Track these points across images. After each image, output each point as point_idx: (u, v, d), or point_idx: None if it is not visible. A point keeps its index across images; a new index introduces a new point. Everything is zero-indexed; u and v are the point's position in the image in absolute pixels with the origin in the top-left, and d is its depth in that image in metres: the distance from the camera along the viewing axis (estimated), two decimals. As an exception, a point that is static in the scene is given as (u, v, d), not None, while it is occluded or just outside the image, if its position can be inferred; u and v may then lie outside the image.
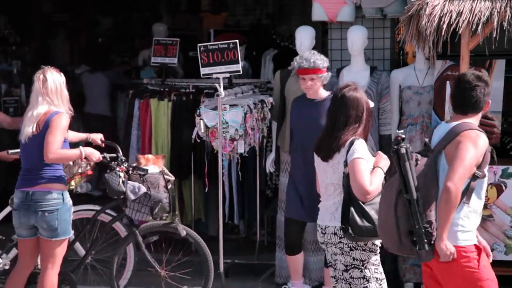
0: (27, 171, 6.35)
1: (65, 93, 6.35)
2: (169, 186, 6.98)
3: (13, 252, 6.98)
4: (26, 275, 6.54)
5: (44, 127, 6.20)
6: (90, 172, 6.88)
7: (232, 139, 7.89)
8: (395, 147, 5.04)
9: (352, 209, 5.29)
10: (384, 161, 5.37)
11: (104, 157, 6.71)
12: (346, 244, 5.39)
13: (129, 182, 6.83)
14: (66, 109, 6.32)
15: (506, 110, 7.70)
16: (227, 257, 7.97)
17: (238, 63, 7.55)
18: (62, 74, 6.40)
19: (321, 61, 7.04)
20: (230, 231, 9.26)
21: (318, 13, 8.06)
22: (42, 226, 6.28)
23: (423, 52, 7.15)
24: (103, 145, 7.14)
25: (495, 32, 6.75)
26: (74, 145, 6.71)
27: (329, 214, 5.47)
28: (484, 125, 7.37)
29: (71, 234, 6.45)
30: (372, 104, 5.43)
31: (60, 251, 6.38)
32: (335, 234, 5.42)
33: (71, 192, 6.69)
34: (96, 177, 7.86)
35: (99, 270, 7.30)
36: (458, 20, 6.80)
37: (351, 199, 5.31)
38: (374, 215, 5.26)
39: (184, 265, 7.30)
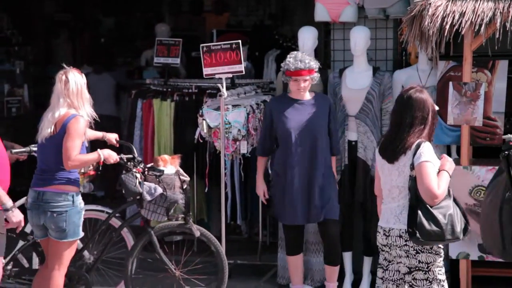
0: (42, 171, 6.33)
1: (87, 95, 6.29)
2: (185, 187, 6.98)
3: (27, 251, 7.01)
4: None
5: (61, 129, 6.16)
6: (92, 172, 6.87)
7: (235, 140, 7.89)
8: (506, 152, 4.93)
9: (419, 213, 5.18)
10: (449, 164, 5.28)
11: (121, 158, 6.67)
12: (411, 247, 5.30)
13: (145, 183, 6.83)
14: (88, 111, 6.27)
15: (509, 110, 7.70)
16: (230, 258, 7.94)
17: (240, 63, 7.55)
18: (83, 76, 6.35)
19: (314, 61, 7.19)
20: (232, 231, 9.26)
21: (321, 14, 8.05)
22: (51, 226, 6.27)
23: (426, 52, 7.15)
24: (118, 145, 7.13)
25: (498, 33, 6.75)
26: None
27: (393, 216, 5.36)
28: (487, 126, 7.38)
29: (80, 236, 6.40)
30: (437, 108, 5.39)
31: (68, 253, 6.36)
32: (400, 236, 5.32)
33: None
34: (99, 177, 7.85)
35: (101, 271, 7.30)
36: (461, 20, 6.80)
37: (418, 203, 5.21)
38: (442, 219, 5.17)
39: (198, 266, 7.31)
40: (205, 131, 7.90)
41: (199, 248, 7.49)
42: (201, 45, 7.73)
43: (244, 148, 7.94)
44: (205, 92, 8.72)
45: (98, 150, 6.41)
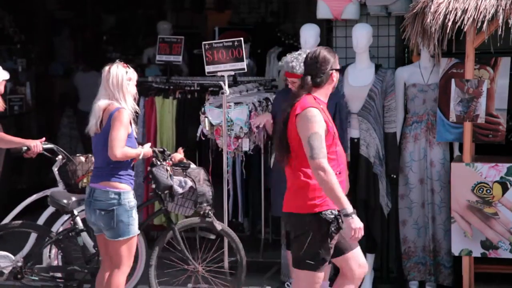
0: (96, 168, 6.36)
1: (129, 88, 6.30)
2: (207, 179, 7.07)
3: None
4: (107, 271, 6.45)
5: (107, 124, 6.18)
6: None
7: (237, 137, 7.89)
8: None
9: None
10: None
11: (153, 151, 6.73)
12: None
13: (174, 176, 6.86)
14: (130, 104, 6.28)
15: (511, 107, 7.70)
16: (232, 255, 7.96)
17: (243, 61, 7.55)
18: (130, 70, 6.35)
19: None
20: (234, 229, 9.24)
21: (323, 11, 8.05)
22: (100, 225, 6.26)
23: (428, 50, 7.15)
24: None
25: (500, 30, 6.74)
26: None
27: None
28: (489, 123, 7.39)
29: (135, 233, 6.30)
30: None
31: (125, 251, 6.28)
32: None
33: (83, 189, 6.71)
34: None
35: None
36: (463, 17, 6.79)
37: None
38: None
39: (217, 262, 7.40)
40: (207, 128, 7.91)
41: (212, 244, 7.48)
42: (203, 42, 7.74)
43: (246, 145, 7.94)
44: (207, 89, 8.73)
45: (140, 147, 6.44)
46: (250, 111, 7.89)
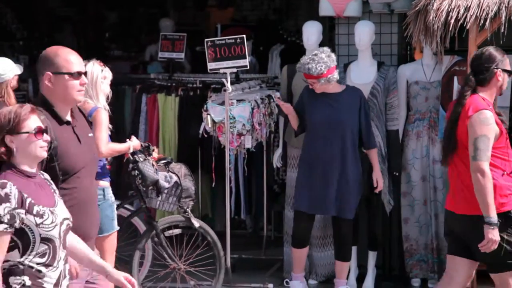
0: None
1: (103, 87, 6.31)
2: (189, 174, 7.03)
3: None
4: None
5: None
6: (108, 167, 6.80)
7: (239, 134, 7.89)
8: None
9: None
10: None
11: (141, 145, 6.72)
12: None
13: (159, 172, 6.84)
14: (102, 103, 6.29)
15: (514, 105, 7.70)
16: (234, 252, 7.96)
17: (245, 58, 7.55)
18: (106, 69, 6.37)
19: (325, 64, 6.96)
20: (237, 226, 9.27)
21: (325, 8, 8.04)
22: None
23: (431, 47, 7.14)
24: None
25: (503, 27, 6.73)
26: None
27: None
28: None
29: (116, 229, 6.37)
30: None
31: (108, 246, 6.33)
32: None
33: None
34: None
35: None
36: (466, 15, 6.78)
37: None
38: None
39: (198, 259, 7.30)
40: (209, 125, 7.90)
41: (195, 241, 7.44)
42: (206, 39, 7.73)
43: (248, 142, 7.94)
44: (210, 87, 8.73)
45: (128, 141, 6.47)
46: (253, 108, 7.89)
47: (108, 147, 6.18)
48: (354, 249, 7.76)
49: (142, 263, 7.29)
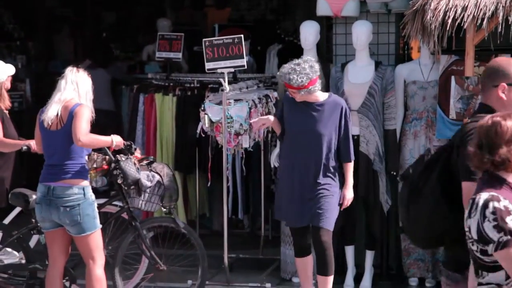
0: (50, 166, 6.34)
1: (90, 94, 6.42)
2: (172, 174, 7.01)
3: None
4: (59, 268, 6.49)
5: (68, 120, 6.20)
6: (105, 167, 6.76)
7: (237, 134, 7.89)
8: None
9: None
10: None
11: (124, 144, 6.70)
12: None
13: (141, 171, 6.81)
14: (89, 105, 6.34)
15: None
16: (232, 252, 7.98)
17: (243, 57, 7.55)
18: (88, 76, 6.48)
19: (305, 76, 6.59)
20: (234, 225, 9.28)
21: (323, 8, 8.05)
22: (65, 222, 6.27)
23: (428, 47, 7.15)
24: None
25: (500, 27, 6.74)
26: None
27: None
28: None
29: (98, 227, 6.38)
30: None
31: (94, 244, 6.35)
32: None
33: None
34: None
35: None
36: (463, 14, 6.79)
37: None
38: None
39: (184, 259, 7.29)
40: (207, 125, 7.91)
41: (175, 242, 7.38)
42: (204, 39, 7.74)
43: (246, 142, 7.94)
44: (207, 86, 8.73)
45: (112, 135, 6.48)
46: (250, 108, 7.89)
47: (88, 136, 6.17)
48: (351, 248, 7.77)
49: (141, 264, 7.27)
